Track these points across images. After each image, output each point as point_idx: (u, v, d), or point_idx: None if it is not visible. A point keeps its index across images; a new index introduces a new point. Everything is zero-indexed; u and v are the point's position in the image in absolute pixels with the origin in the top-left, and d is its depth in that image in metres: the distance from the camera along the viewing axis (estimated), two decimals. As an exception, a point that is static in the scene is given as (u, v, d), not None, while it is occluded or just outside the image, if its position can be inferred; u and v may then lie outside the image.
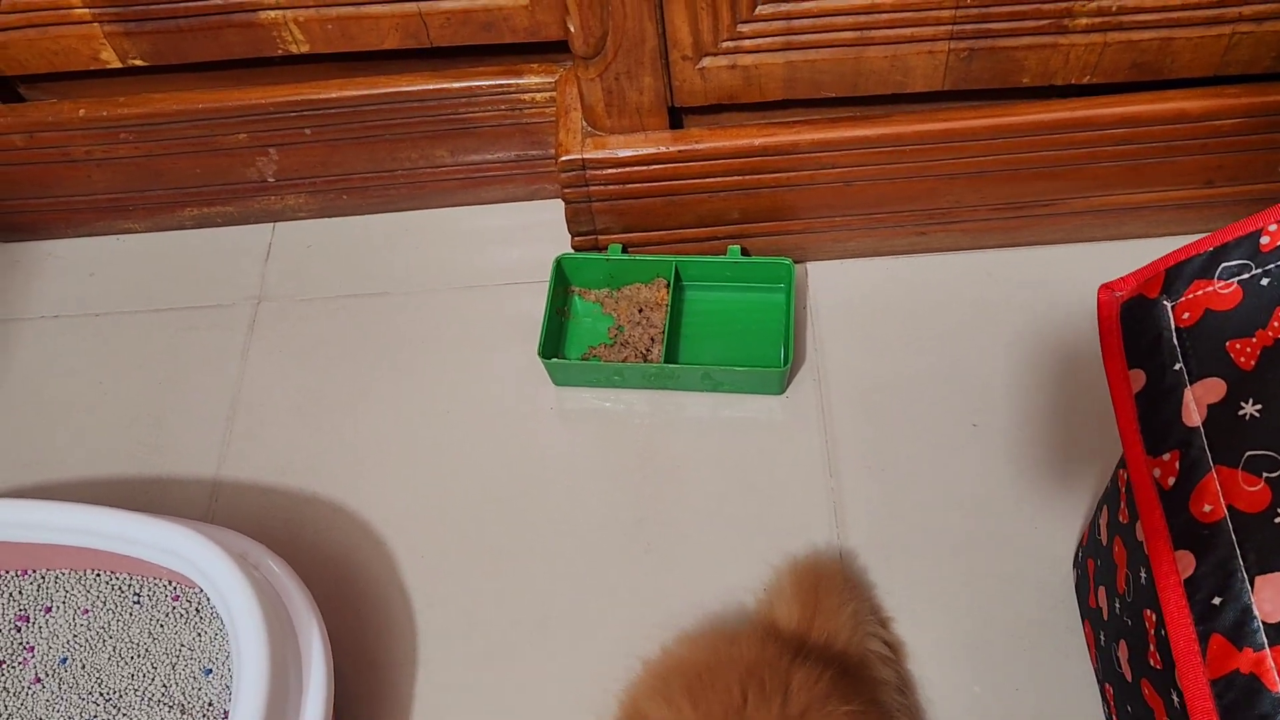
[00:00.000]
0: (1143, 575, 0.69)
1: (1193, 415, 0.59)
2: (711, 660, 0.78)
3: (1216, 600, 0.54)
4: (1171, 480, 0.58)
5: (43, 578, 0.97)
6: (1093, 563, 0.82)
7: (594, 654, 0.93)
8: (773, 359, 1.06)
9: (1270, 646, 0.51)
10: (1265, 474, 0.55)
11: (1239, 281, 0.60)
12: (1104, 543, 0.78)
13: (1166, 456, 0.59)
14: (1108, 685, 0.80)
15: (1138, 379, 0.63)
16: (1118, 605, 0.75)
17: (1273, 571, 0.53)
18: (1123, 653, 0.74)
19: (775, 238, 1.10)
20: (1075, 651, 0.89)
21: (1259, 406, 0.56)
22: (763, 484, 1.01)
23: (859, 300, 1.11)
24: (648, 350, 1.07)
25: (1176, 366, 0.61)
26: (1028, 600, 0.92)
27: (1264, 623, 0.52)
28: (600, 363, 1.05)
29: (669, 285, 1.10)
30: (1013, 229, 1.10)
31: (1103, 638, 0.79)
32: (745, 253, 1.11)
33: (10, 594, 0.96)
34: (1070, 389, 1.03)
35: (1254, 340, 0.58)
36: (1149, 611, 0.68)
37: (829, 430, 1.03)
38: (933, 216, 1.08)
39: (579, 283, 1.13)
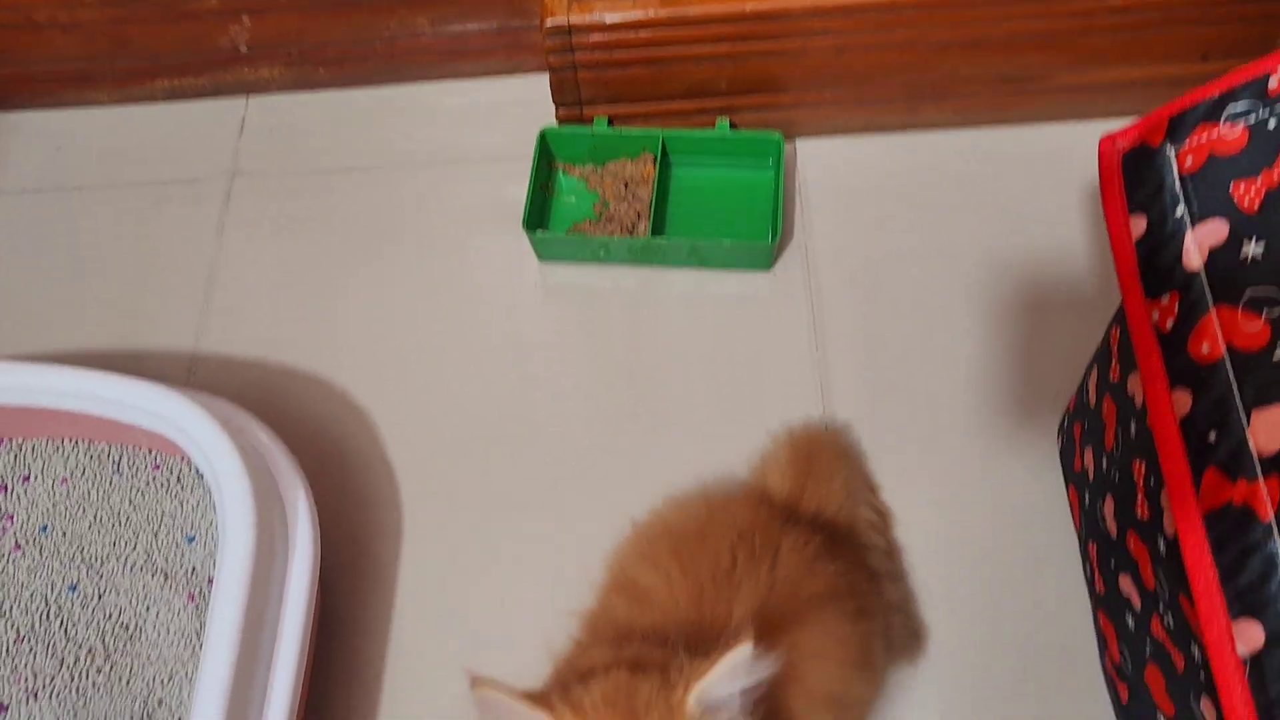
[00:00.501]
0: (1133, 428, 0.70)
1: (1193, 259, 0.58)
2: (702, 524, 0.78)
3: (1212, 436, 0.54)
4: (1170, 323, 0.58)
5: (19, 447, 0.95)
6: (1080, 426, 0.82)
7: (579, 526, 0.93)
8: (760, 235, 1.05)
9: (1264, 478, 0.51)
10: (1265, 312, 0.54)
11: (1246, 124, 0.59)
12: (1092, 404, 0.78)
13: (1165, 300, 0.59)
14: (1091, 544, 0.81)
15: (1138, 225, 0.62)
16: (1105, 463, 0.75)
17: (1269, 405, 0.53)
18: (1108, 509, 0.74)
19: (764, 112, 1.07)
20: (1058, 521, 0.90)
21: (1261, 246, 0.56)
22: (750, 359, 1.00)
23: (848, 178, 1.10)
24: (634, 226, 1.05)
25: (1178, 211, 0.60)
26: (1012, 472, 0.92)
27: (1258, 456, 0.52)
28: (585, 236, 1.03)
29: (655, 161, 1.08)
30: (1005, 105, 1.08)
31: (1087, 498, 0.80)
32: (734, 127, 1.08)
33: (-13, 463, 0.95)
34: (1059, 267, 1.02)
35: (1258, 181, 0.57)
36: (1138, 462, 0.68)
37: (816, 306, 1.02)
38: (925, 91, 1.06)
39: (564, 158, 1.11)
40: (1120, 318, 0.73)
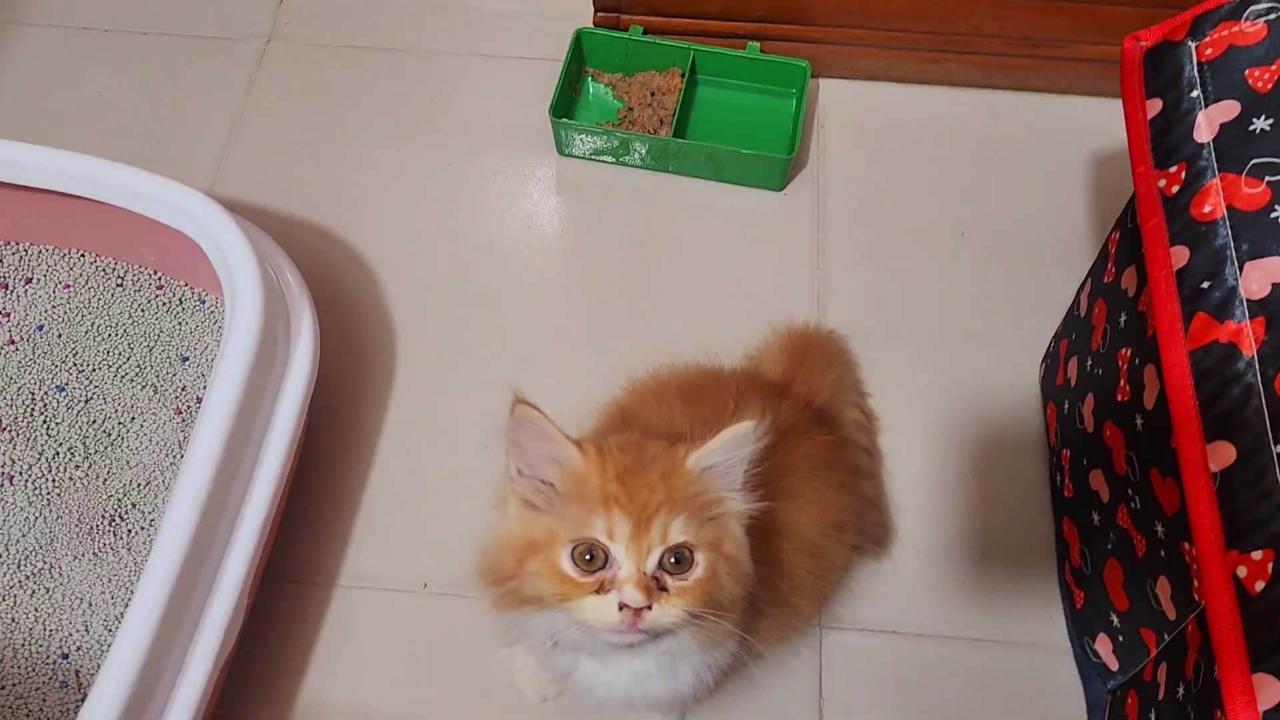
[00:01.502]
0: (1122, 319, 0.72)
1: (1203, 133, 0.61)
2: (702, 380, 0.80)
3: (1205, 284, 0.57)
4: (1175, 189, 0.61)
5: (25, 250, 0.96)
6: (1066, 341, 0.85)
7: (571, 393, 0.93)
8: (776, 155, 1.08)
9: (1250, 319, 0.54)
10: (1268, 177, 0.58)
11: (1266, 20, 0.62)
12: (1082, 313, 0.81)
13: (1173, 169, 0.62)
14: (1064, 451, 0.83)
15: (1153, 107, 0.65)
16: (1089, 364, 0.78)
17: (1264, 257, 0.55)
18: (1088, 406, 0.77)
19: (793, 43, 1.11)
20: (1030, 444, 0.92)
21: (1270, 122, 0.59)
22: (752, 267, 1.03)
23: (865, 119, 1.13)
24: (655, 131, 1.08)
25: (1193, 94, 0.63)
26: (991, 396, 0.95)
27: (1247, 300, 0.55)
28: (606, 128, 1.06)
29: (683, 76, 1.10)
30: (1024, 69, 1.12)
31: (1067, 406, 0.83)
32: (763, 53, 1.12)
33: (-10, 260, 0.95)
34: (1055, 226, 1.05)
35: (1273, 68, 0.61)
36: (1124, 350, 0.71)
37: (821, 228, 1.05)
38: (949, 42, 1.09)
39: (594, 63, 1.13)
40: (1119, 223, 0.76)
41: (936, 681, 0.83)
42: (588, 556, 0.57)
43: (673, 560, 0.57)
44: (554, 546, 0.57)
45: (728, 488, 0.60)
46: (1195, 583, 0.62)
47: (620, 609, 0.55)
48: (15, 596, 0.81)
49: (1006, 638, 0.85)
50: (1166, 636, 0.68)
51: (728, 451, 0.58)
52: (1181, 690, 0.64)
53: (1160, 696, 0.67)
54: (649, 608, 0.56)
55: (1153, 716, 0.68)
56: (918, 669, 0.84)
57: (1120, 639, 0.75)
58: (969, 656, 0.84)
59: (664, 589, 0.57)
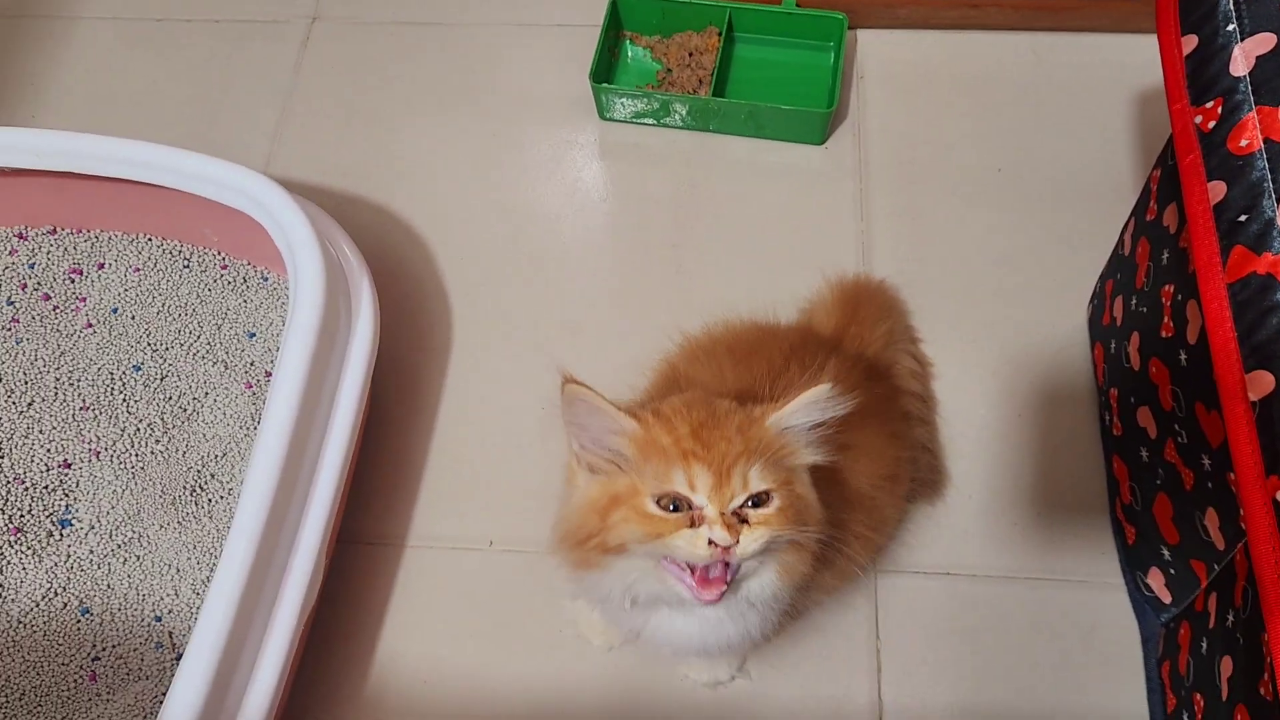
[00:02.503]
0: (1164, 256, 0.73)
1: (1239, 66, 0.62)
2: (754, 338, 0.82)
3: (1243, 218, 0.57)
4: (1212, 124, 0.61)
5: (97, 237, 1.00)
6: (1112, 281, 0.86)
7: (622, 354, 0.96)
8: (816, 109, 1.08)
9: (1289, 250, 0.55)
10: (1304, 109, 0.58)
11: (1302, -50, 0.62)
12: (1126, 252, 0.82)
13: (1210, 104, 0.62)
14: (1112, 391, 0.84)
15: (1189, 44, 0.65)
16: (1134, 302, 0.79)
17: (1301, 189, 0.56)
18: (1133, 344, 0.78)
19: (829, -3, 1.11)
20: (1080, 386, 0.93)
21: (1306, 53, 0.59)
22: (796, 222, 1.04)
23: (904, 68, 1.13)
24: (695, 91, 1.09)
25: (1229, 28, 0.63)
26: (1040, 340, 0.96)
27: (1286, 232, 0.55)
28: (647, 90, 1.07)
29: (720, 34, 1.11)
30: (1064, 9, 1.11)
31: (1113, 346, 0.84)
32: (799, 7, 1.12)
33: (65, 248, 1.00)
34: (1099, 168, 1.05)
35: (1309, -3, 0.61)
36: (1167, 286, 0.71)
37: (864, 179, 1.06)
38: (988, -15, 1.09)
39: (631, 26, 1.15)
40: (1160, 160, 0.77)
41: (991, 621, 0.85)
42: (672, 507, 0.59)
43: (751, 505, 0.59)
44: (637, 497, 0.60)
45: (800, 443, 0.62)
46: (1241, 511, 0.63)
47: (710, 545, 0.58)
48: (109, 565, 0.86)
49: (1060, 576, 0.86)
50: (1216, 567, 0.69)
51: (805, 414, 0.61)
52: (1231, 618, 0.65)
53: (1211, 625, 0.69)
54: (736, 543, 0.58)
55: (1204, 645, 0.70)
56: (972, 609, 0.85)
57: (1172, 572, 0.76)
58: (1023, 596, 0.86)
59: (745, 521, 0.59)
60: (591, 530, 0.62)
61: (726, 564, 0.60)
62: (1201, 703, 0.69)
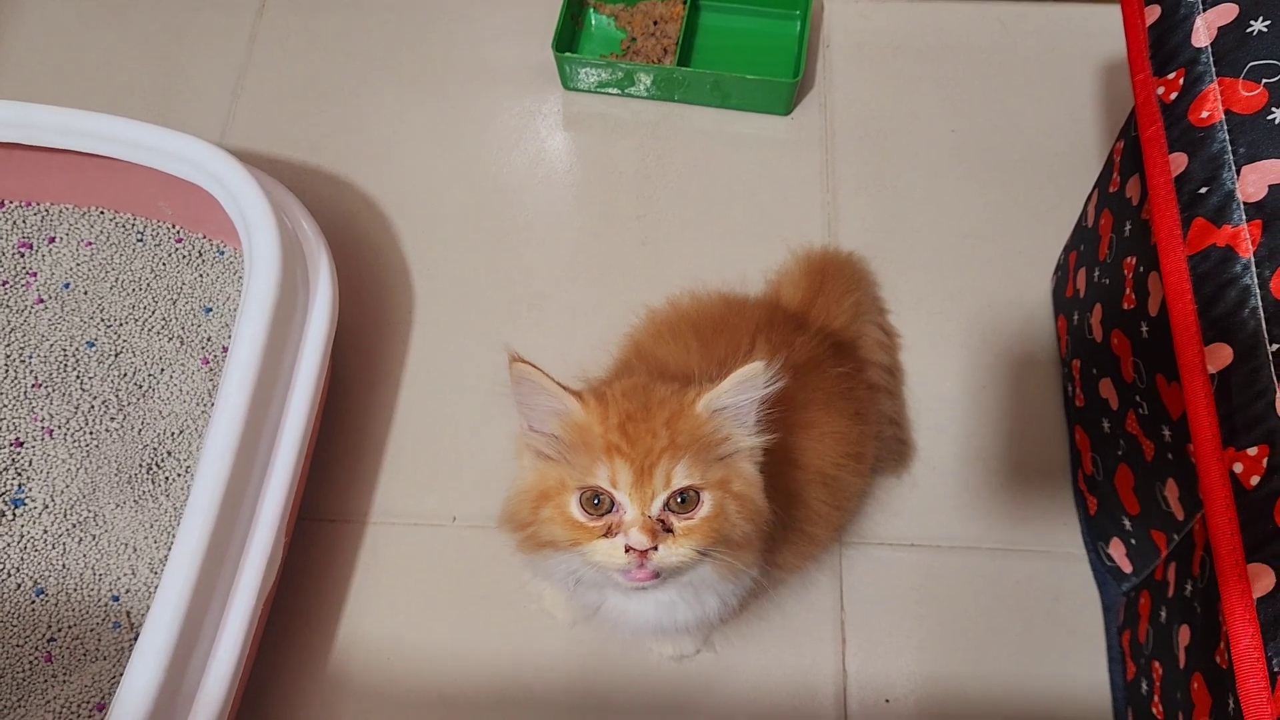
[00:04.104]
0: (1127, 228, 0.73)
1: (1201, 37, 0.61)
2: (720, 314, 0.81)
3: (1203, 190, 0.57)
4: (1174, 95, 0.61)
5: (46, 210, 0.98)
6: (1075, 253, 0.86)
7: (587, 328, 0.96)
8: (782, 79, 1.07)
9: (1248, 222, 0.55)
10: (1265, 80, 0.58)
11: (1264, -80, 0.62)
12: (1090, 224, 0.82)
13: (1172, 75, 0.62)
14: (1075, 362, 0.84)
15: (1152, 13, 0.65)
16: (1096, 274, 0.79)
17: (1260, 160, 0.56)
18: (1096, 316, 0.78)
19: (795, -36, 1.10)
20: (1043, 357, 0.93)
21: (1268, 23, 0.59)
22: (761, 194, 1.03)
23: (871, 39, 1.12)
24: (659, 60, 1.08)
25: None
26: (1005, 310, 0.96)
27: (1244, 203, 0.55)
28: (611, 60, 1.06)
29: (685, 3, 1.10)
30: (1030, -22, 1.10)
31: (1076, 317, 0.84)
32: (764, -24, 1.11)
33: (14, 222, 0.97)
34: (1066, 137, 1.05)
35: (1271, -33, 0.60)
36: (1129, 259, 0.71)
37: (830, 150, 1.05)
38: (954, -46, 1.08)
39: (595, -6, 1.13)
40: (1123, 132, 0.76)
41: (955, 591, 0.85)
42: (595, 502, 0.59)
43: (679, 500, 0.59)
44: (564, 494, 0.60)
45: (739, 426, 0.61)
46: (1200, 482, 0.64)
47: (627, 551, 0.58)
48: (64, 544, 0.84)
49: (1023, 546, 0.87)
50: (1176, 537, 0.69)
51: (738, 393, 0.59)
52: (1189, 587, 0.66)
53: (1170, 594, 0.69)
54: (654, 549, 0.58)
55: (1164, 613, 0.70)
56: (936, 580, 0.86)
57: (1133, 542, 0.77)
58: (986, 566, 0.86)
59: (670, 530, 0.58)
60: (524, 520, 0.62)
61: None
62: (1160, 670, 0.70)
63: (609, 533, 0.59)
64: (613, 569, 0.59)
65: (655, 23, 1.10)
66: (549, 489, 0.61)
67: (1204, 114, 0.59)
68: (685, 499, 0.59)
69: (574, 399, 0.60)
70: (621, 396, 0.60)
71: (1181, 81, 0.61)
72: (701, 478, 0.59)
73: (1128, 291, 0.71)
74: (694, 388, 0.61)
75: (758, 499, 0.62)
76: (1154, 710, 0.71)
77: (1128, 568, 0.79)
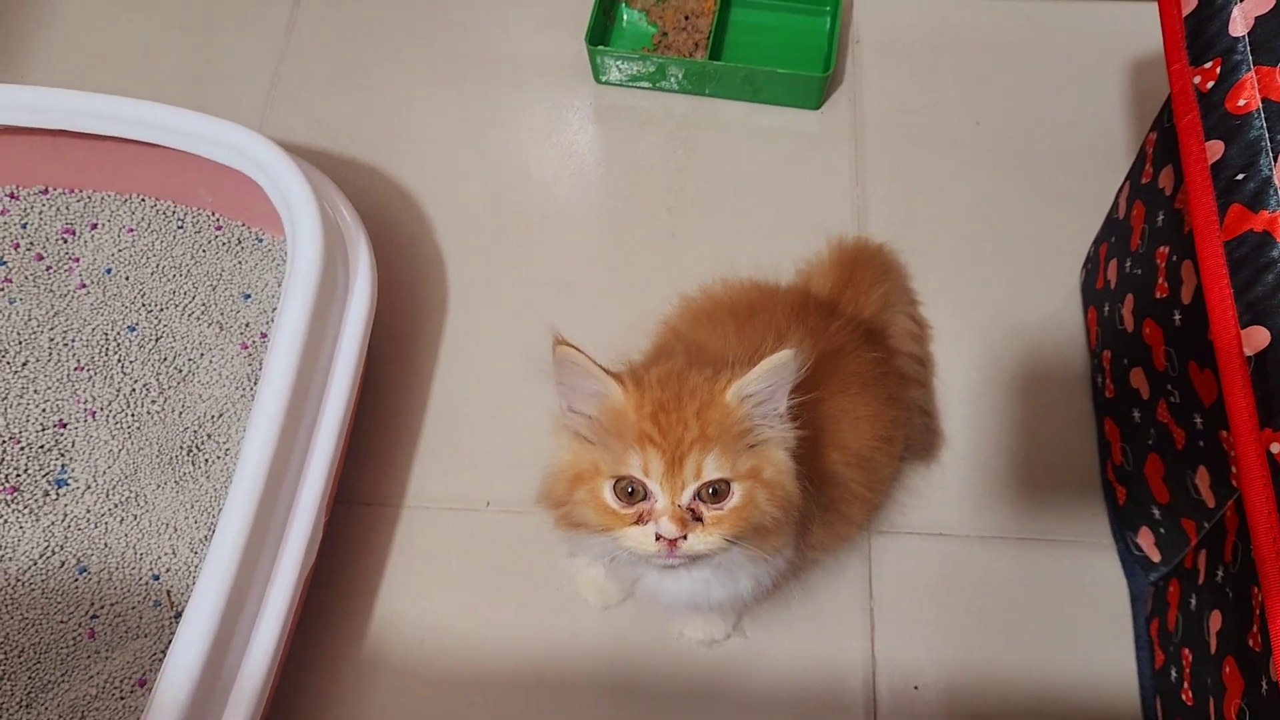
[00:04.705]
0: (1160, 218, 0.74)
1: (1238, 27, 0.62)
2: (755, 300, 0.82)
3: (1240, 176, 0.58)
4: (1210, 84, 0.62)
5: (89, 197, 1.00)
6: (1106, 244, 0.86)
7: (617, 317, 0.96)
8: (813, 73, 1.08)
9: (1285, 208, 0.55)
10: (1303, 68, 0.58)
11: (1301, -91, 0.62)
12: (1121, 215, 0.82)
13: (1209, 64, 0.62)
14: (1105, 353, 0.85)
15: (1188, 4, 0.65)
16: (1128, 265, 0.79)
17: (1298, 147, 0.56)
18: (1128, 307, 0.78)
19: (826, -40, 1.11)
20: (1073, 350, 0.94)
21: (1306, 12, 0.59)
22: (791, 187, 1.04)
23: (901, 33, 1.13)
24: (691, 54, 1.09)
25: (1229, -12, 0.63)
26: (1035, 305, 0.97)
27: (1282, 190, 0.56)
28: (643, 53, 1.07)
29: (716, -2, 1.11)
30: (1060, -25, 1.11)
31: (1107, 309, 0.84)
32: (795, -29, 1.12)
33: (58, 208, 0.99)
34: (1093, 134, 1.05)
35: (1308, -43, 0.61)
36: (1162, 249, 0.72)
37: (860, 144, 1.06)
38: (984, -50, 1.09)
39: (627, -11, 1.14)
40: (1156, 124, 0.77)
41: (983, 581, 0.86)
42: (629, 490, 0.60)
43: (709, 491, 0.60)
44: (597, 479, 0.61)
45: (771, 413, 0.62)
46: (1233, 469, 0.64)
47: (657, 539, 0.59)
48: (106, 524, 0.86)
49: (1050, 536, 0.87)
50: (1206, 525, 0.70)
51: (767, 379, 0.60)
52: (1220, 573, 0.66)
53: (1201, 581, 0.70)
54: (684, 538, 0.59)
55: (1194, 601, 0.71)
56: (965, 569, 0.87)
57: (1162, 531, 0.77)
58: (1014, 556, 0.87)
59: (699, 518, 0.60)
60: (560, 499, 0.63)
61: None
62: (1190, 657, 0.70)
63: (640, 520, 0.60)
64: (643, 555, 0.60)
65: (686, 18, 1.11)
66: (584, 471, 0.62)
67: (1241, 102, 0.60)
68: (716, 490, 0.60)
69: (614, 382, 0.61)
70: (657, 384, 0.61)
71: (1218, 70, 0.62)
72: (732, 469, 0.60)
73: (1160, 280, 0.72)
74: (725, 374, 0.61)
75: (789, 486, 0.63)
76: (1183, 697, 0.71)
77: (1156, 557, 0.80)
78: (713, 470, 0.59)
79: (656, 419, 0.60)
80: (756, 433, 0.62)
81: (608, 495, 0.61)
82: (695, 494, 0.60)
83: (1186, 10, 0.65)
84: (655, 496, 0.60)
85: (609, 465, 0.60)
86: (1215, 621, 0.66)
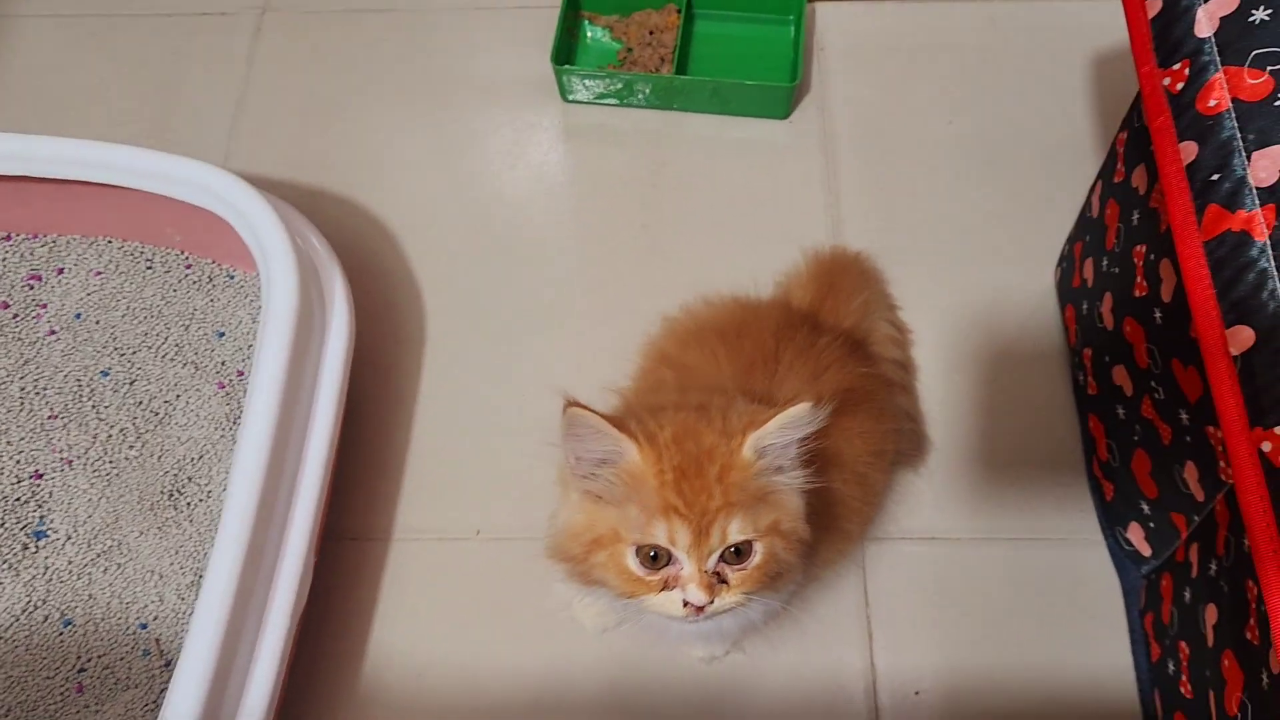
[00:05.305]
0: (1134, 217, 0.74)
1: (1204, 28, 0.63)
2: (740, 319, 0.82)
3: (1215, 176, 0.58)
4: (1180, 85, 0.62)
5: (54, 242, 0.98)
6: (1080, 244, 0.87)
7: (598, 338, 0.97)
8: (780, 84, 1.08)
9: (1261, 206, 0.56)
10: (1270, 67, 0.59)
11: (1260, -90, 0.63)
12: (1095, 214, 0.83)
13: (1177, 66, 0.63)
14: (1086, 351, 0.86)
15: (1153, 6, 0.66)
16: (1105, 263, 0.80)
17: (1270, 146, 0.57)
18: (1106, 305, 0.79)
19: (786, -31, 1.11)
20: (1052, 348, 0.95)
21: (1269, 12, 0.60)
22: (765, 197, 1.04)
23: (865, 40, 1.14)
24: (657, 69, 1.09)
25: (1192, -11, 0.64)
26: (1011, 305, 0.97)
27: (1257, 188, 0.57)
28: (610, 71, 1.07)
29: (680, 11, 1.11)
30: (1018, -25, 1.12)
31: (1085, 306, 0.85)
32: (757, -18, 1.12)
33: (22, 254, 0.97)
34: (1061, 132, 1.06)
35: (1270, -42, 0.62)
36: (1139, 247, 0.73)
37: (830, 152, 1.06)
38: (943, -46, 1.09)
39: (590, 6, 1.14)
40: (1126, 123, 0.78)
41: (976, 582, 0.86)
42: (652, 555, 0.60)
43: (734, 553, 0.60)
44: (619, 544, 0.60)
45: (785, 460, 0.62)
46: (1222, 464, 0.65)
47: (684, 605, 0.59)
48: (89, 574, 0.84)
49: (1040, 535, 0.88)
50: (1196, 518, 0.71)
51: (784, 434, 0.60)
52: (1214, 566, 0.67)
53: (1194, 575, 0.71)
54: (711, 603, 0.59)
55: (1187, 594, 0.72)
56: (957, 571, 0.87)
57: (1151, 525, 0.78)
58: (1006, 556, 0.87)
59: (724, 580, 0.60)
60: (576, 557, 0.63)
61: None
62: (1187, 650, 0.71)
63: (665, 585, 0.60)
64: (672, 617, 0.61)
65: (651, 32, 1.11)
66: (602, 536, 0.61)
67: (1211, 102, 0.60)
68: (739, 550, 0.60)
69: (630, 442, 0.60)
70: (673, 443, 0.60)
71: (1187, 72, 0.62)
72: (754, 529, 0.60)
73: (1139, 279, 0.72)
74: (738, 428, 0.60)
75: (801, 530, 0.63)
76: (1182, 689, 0.72)
77: (1147, 551, 0.80)
78: (737, 533, 0.60)
79: (680, 489, 0.59)
80: (771, 486, 0.62)
81: (631, 562, 0.61)
82: (720, 556, 0.60)
83: (1152, 13, 0.66)
84: (681, 564, 0.60)
85: (631, 532, 0.60)
86: (1210, 615, 0.67)
